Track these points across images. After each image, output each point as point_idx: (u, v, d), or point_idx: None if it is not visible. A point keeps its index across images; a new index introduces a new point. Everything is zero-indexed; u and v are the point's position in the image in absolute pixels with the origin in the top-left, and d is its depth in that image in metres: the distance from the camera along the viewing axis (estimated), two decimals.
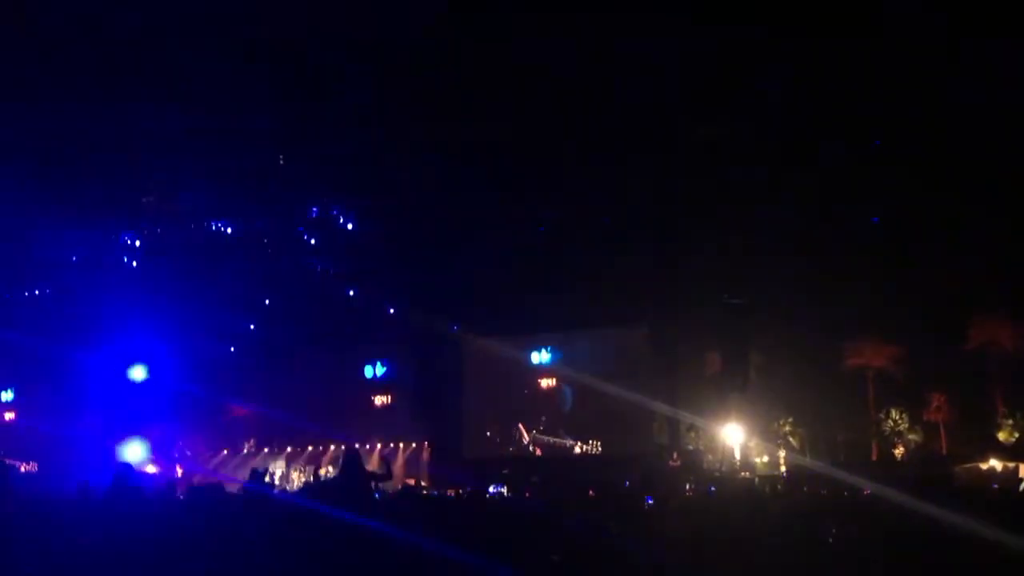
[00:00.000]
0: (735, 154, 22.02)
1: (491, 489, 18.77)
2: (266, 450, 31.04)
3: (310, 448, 30.16)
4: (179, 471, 30.24)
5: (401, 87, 20.84)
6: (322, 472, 27.52)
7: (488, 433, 27.97)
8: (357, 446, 25.69)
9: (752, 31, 18.22)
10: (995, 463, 24.29)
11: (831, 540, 8.81)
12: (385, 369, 30.16)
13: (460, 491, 20.28)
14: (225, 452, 31.54)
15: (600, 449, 26.00)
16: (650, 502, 10.92)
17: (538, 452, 27.16)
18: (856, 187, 21.97)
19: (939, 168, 20.88)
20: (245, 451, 31.49)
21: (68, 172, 25.28)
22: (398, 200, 25.24)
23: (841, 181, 21.94)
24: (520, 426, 27.30)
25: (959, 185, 21.22)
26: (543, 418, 27.29)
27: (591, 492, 15.04)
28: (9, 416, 32.38)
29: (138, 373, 28.12)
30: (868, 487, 13.49)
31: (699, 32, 18.20)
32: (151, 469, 30.03)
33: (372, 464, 25.71)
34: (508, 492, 18.11)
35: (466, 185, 24.40)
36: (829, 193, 22.13)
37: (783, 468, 25.49)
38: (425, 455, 28.33)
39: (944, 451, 26.29)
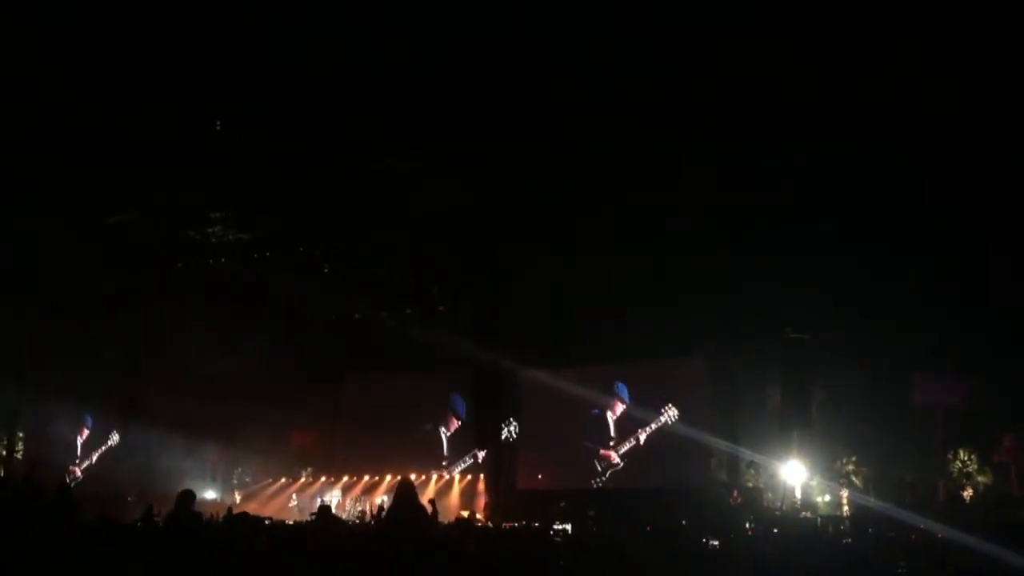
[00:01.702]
0: (796, 183, 21.73)
1: (556, 525, 18.60)
2: (323, 479, 31.22)
3: (366, 478, 30.27)
4: (238, 497, 30.66)
5: None
6: (376, 501, 27.72)
7: (540, 476, 27.78)
8: (413, 477, 25.89)
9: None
10: None
11: None
12: (443, 399, 30.25)
13: (516, 524, 20.15)
14: (283, 480, 31.79)
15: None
16: (715, 543, 10.68)
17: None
18: (921, 213, 21.48)
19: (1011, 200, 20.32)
20: (303, 479, 31.72)
21: None
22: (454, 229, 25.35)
23: (908, 212, 21.48)
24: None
25: None
26: (601, 450, 27.02)
27: (649, 528, 14.81)
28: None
29: None
30: (940, 530, 13.05)
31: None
32: (211, 495, 30.54)
33: (425, 497, 25.75)
34: (572, 530, 17.83)
35: (521, 220, 24.45)
36: (897, 224, 21.65)
37: (846, 508, 24.88)
38: (480, 487, 28.21)
39: (1016, 493, 25.41)
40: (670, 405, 26.14)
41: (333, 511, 11.46)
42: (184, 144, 19.94)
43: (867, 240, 21.92)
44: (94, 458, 32.57)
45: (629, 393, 26.81)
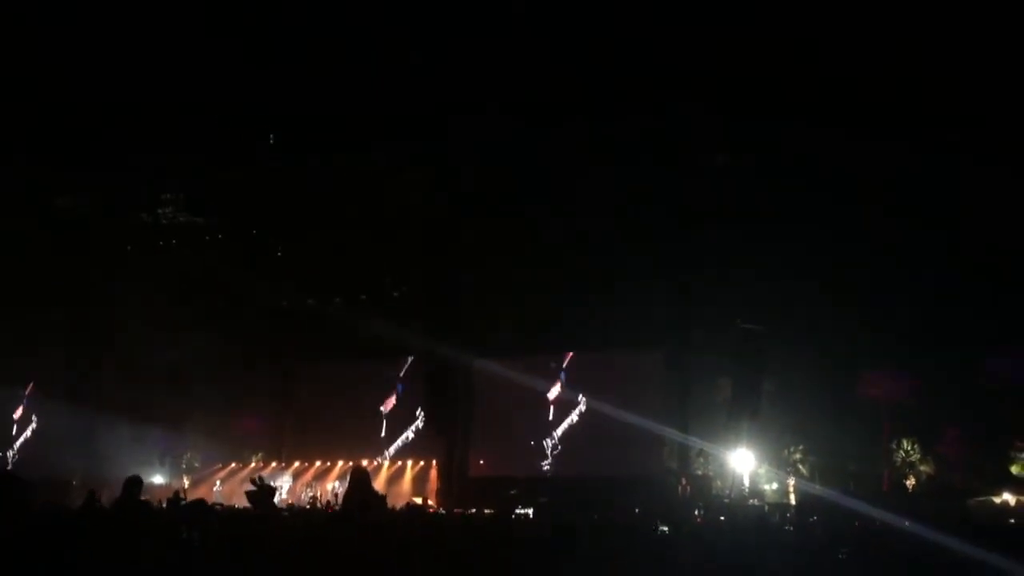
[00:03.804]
0: (751, 176, 21.99)
1: (518, 510, 18.81)
2: (273, 464, 30.95)
3: (317, 463, 30.08)
4: (186, 482, 30.26)
5: None
6: (328, 488, 27.55)
7: (482, 461, 27.87)
8: (365, 463, 25.75)
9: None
10: (1008, 497, 24.05)
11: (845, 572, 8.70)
12: (396, 385, 30.15)
13: (467, 511, 20.17)
14: (233, 465, 31.46)
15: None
16: (664, 529, 10.80)
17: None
18: (874, 216, 21.88)
19: (959, 200, 20.78)
20: (253, 464, 31.41)
21: None
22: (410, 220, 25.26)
23: (859, 208, 21.85)
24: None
25: (978, 217, 21.14)
26: (553, 438, 27.14)
27: (599, 515, 14.93)
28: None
29: None
30: (882, 518, 13.34)
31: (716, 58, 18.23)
32: (159, 480, 30.11)
33: (378, 484, 25.68)
34: (533, 515, 18.03)
35: (474, 212, 24.48)
36: (847, 220, 22.03)
37: (792, 496, 25.28)
38: (433, 473, 28.18)
39: (957, 484, 26.00)
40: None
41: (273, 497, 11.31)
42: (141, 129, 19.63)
43: (818, 238, 22.31)
44: (28, 433, 32.10)
45: (586, 383, 26.95)
